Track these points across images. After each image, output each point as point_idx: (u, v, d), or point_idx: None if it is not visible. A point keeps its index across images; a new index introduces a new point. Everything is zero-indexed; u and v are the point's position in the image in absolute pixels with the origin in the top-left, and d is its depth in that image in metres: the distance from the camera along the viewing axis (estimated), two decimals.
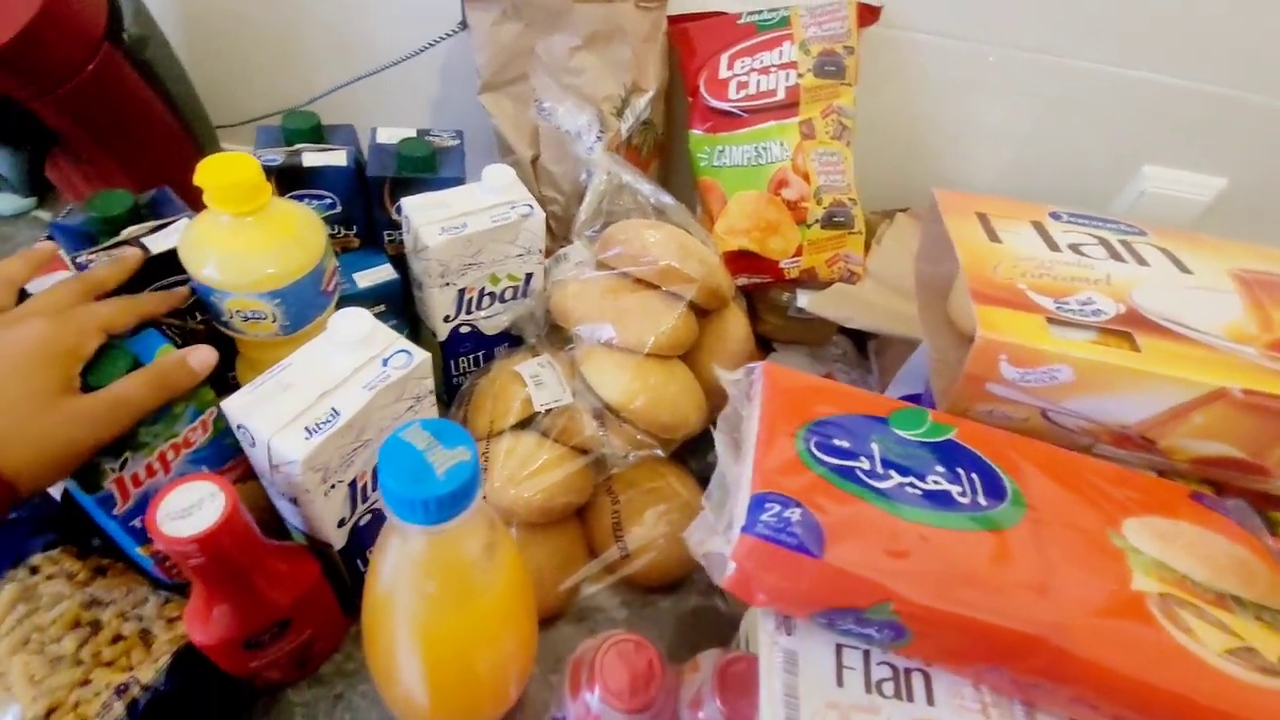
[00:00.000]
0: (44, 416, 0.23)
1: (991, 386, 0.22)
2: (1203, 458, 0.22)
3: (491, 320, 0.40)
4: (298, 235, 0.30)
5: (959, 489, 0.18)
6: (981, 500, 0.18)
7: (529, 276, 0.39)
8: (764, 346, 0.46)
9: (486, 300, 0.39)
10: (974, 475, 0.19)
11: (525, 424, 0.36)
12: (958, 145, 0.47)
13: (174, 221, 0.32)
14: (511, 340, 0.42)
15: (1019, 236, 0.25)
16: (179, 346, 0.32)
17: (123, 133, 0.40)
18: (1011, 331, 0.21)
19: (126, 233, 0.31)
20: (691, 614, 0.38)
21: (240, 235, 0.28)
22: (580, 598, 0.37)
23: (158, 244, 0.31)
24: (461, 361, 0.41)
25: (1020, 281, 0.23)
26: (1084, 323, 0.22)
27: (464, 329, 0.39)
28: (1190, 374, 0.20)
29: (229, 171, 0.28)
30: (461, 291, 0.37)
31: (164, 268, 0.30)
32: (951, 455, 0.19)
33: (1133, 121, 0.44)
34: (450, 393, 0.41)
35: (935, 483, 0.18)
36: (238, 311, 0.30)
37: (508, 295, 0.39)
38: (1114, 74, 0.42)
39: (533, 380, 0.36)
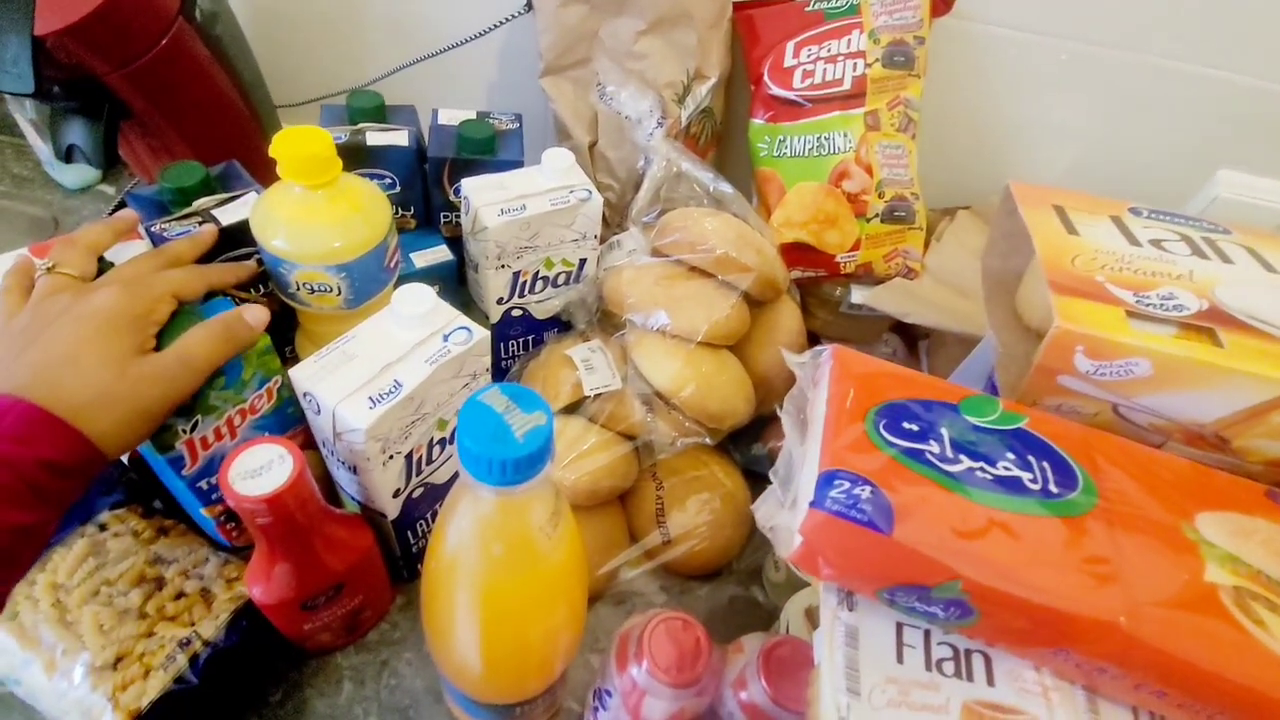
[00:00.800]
0: (123, 379, 0.23)
1: (1063, 379, 0.21)
2: (1278, 460, 0.21)
3: (543, 304, 0.39)
4: (365, 211, 0.30)
5: (1030, 475, 0.18)
6: (1053, 488, 0.18)
7: (582, 262, 0.39)
8: (812, 342, 0.45)
9: (540, 284, 0.38)
10: (1045, 463, 0.18)
11: (574, 408, 0.36)
12: (1024, 143, 0.45)
13: (243, 195, 0.32)
14: (560, 325, 0.41)
15: (1097, 230, 0.25)
16: None
17: (191, 108, 0.40)
18: (1090, 323, 0.21)
19: (198, 204, 0.31)
20: (729, 603, 0.38)
21: (310, 208, 0.28)
22: (619, 581, 0.37)
23: (227, 216, 0.31)
24: (511, 344, 0.41)
25: (1099, 274, 0.22)
26: (1165, 317, 0.21)
27: (516, 312, 0.39)
28: (1274, 371, 0.20)
29: (304, 144, 0.27)
30: (516, 274, 0.37)
31: (233, 240, 0.30)
32: (1022, 443, 0.19)
33: (1208, 123, 0.41)
34: (498, 376, 0.41)
35: (1006, 469, 0.18)
36: (305, 283, 0.30)
37: (560, 280, 0.39)
38: (1191, 72, 0.40)
39: (584, 365, 0.36)
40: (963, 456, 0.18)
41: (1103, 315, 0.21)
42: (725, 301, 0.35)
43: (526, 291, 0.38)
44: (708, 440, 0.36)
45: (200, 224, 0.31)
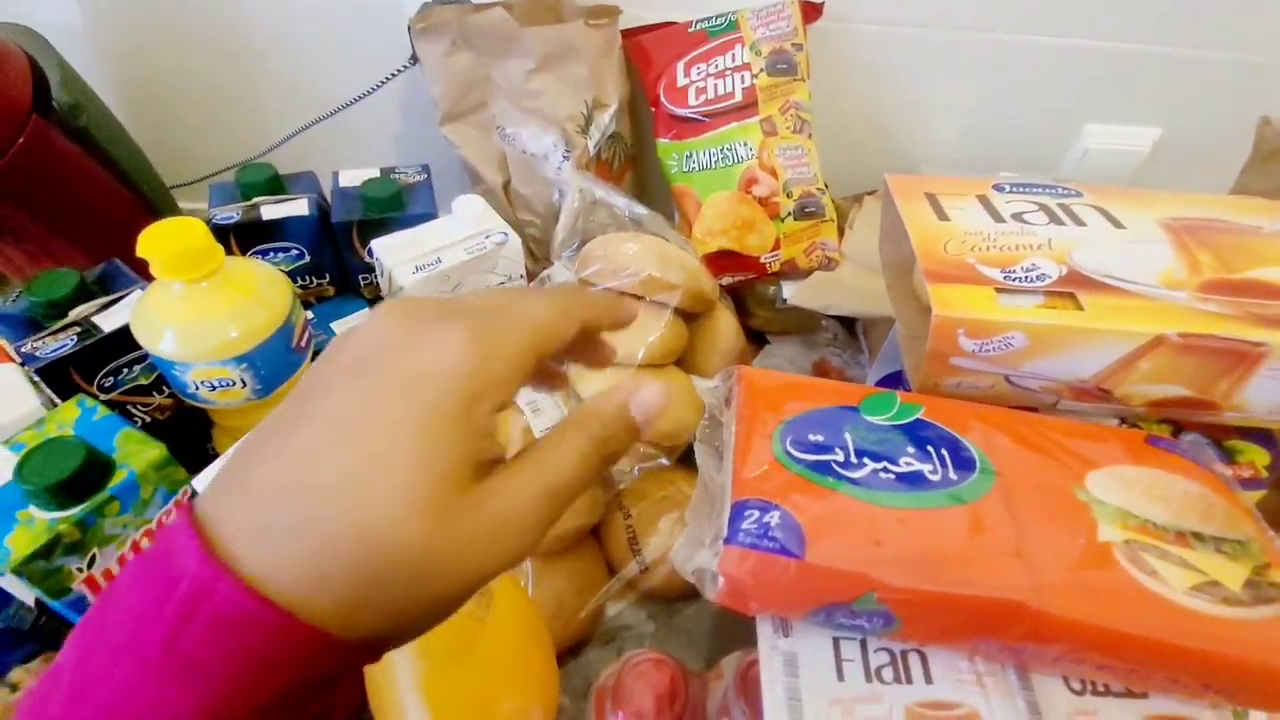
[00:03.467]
0: (445, 534, 0.11)
1: (955, 360, 0.22)
2: (1156, 400, 0.22)
3: None
4: (259, 294, 0.27)
5: (930, 467, 0.18)
6: (952, 475, 0.18)
7: None
8: (757, 340, 0.44)
9: None
10: (943, 451, 0.18)
11: None
12: (912, 124, 0.46)
13: (126, 295, 0.28)
14: None
15: (965, 212, 0.25)
16: (148, 427, 0.28)
17: (65, 207, 0.35)
18: (964, 306, 0.21)
19: (75, 313, 0.27)
20: (720, 616, 0.36)
21: (195, 303, 0.25)
22: (606, 618, 0.34)
23: (110, 321, 0.27)
24: None
25: (969, 256, 0.23)
26: (1030, 288, 0.22)
27: None
28: (1130, 325, 0.21)
29: (174, 238, 0.24)
30: None
31: (119, 346, 0.27)
32: (921, 434, 0.19)
33: (1070, 85, 0.44)
34: None
35: (908, 464, 0.18)
36: (203, 382, 0.26)
37: None
38: (1048, 43, 0.42)
39: (529, 407, 0.34)
40: (866, 460, 0.18)
41: (975, 296, 0.21)
42: (658, 321, 0.33)
43: None
44: (665, 462, 0.34)
45: (79, 334, 0.27)
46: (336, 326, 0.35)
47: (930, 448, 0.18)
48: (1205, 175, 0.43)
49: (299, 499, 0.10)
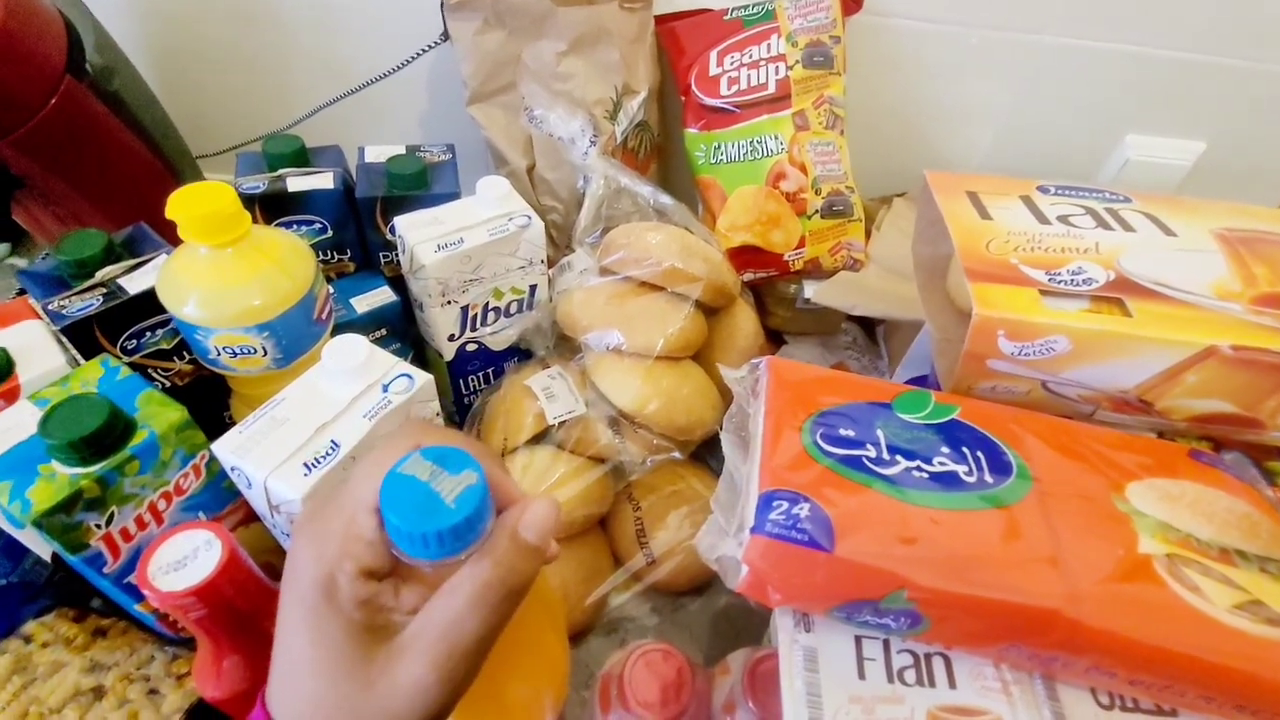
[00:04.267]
0: (362, 695, 0.12)
1: (992, 363, 0.21)
2: (1199, 415, 0.22)
3: (498, 335, 0.37)
4: (283, 264, 0.26)
5: (965, 468, 0.18)
6: (988, 478, 0.17)
7: (533, 288, 0.36)
8: (775, 339, 0.44)
9: (491, 315, 0.36)
10: (979, 453, 0.18)
11: (540, 438, 0.33)
12: (948, 127, 0.45)
13: (152, 259, 0.28)
14: (520, 354, 0.38)
15: (1009, 212, 0.25)
16: (167, 391, 0.29)
17: (94, 170, 0.36)
18: (1007, 306, 0.21)
19: (101, 274, 0.28)
20: (723, 613, 0.36)
21: (221, 268, 0.25)
22: (609, 609, 0.34)
23: (135, 284, 0.27)
24: (471, 380, 0.38)
25: (1013, 256, 0.22)
26: (1076, 292, 0.21)
27: (470, 347, 0.36)
28: (1180, 335, 0.20)
29: (203, 201, 0.24)
30: (465, 309, 0.34)
31: (143, 308, 0.27)
32: (956, 435, 0.19)
33: (1113, 92, 0.42)
34: (462, 412, 0.38)
35: (941, 464, 0.18)
36: (225, 348, 0.26)
37: (513, 309, 0.36)
38: (1092, 48, 0.40)
39: (544, 393, 0.33)
40: (899, 457, 0.18)
41: (1018, 298, 0.21)
42: (678, 313, 0.33)
43: (479, 325, 0.35)
44: (678, 455, 0.34)
45: (104, 295, 0.27)
46: (356, 303, 0.35)
47: (965, 449, 0.18)
48: (1249, 192, 0.41)
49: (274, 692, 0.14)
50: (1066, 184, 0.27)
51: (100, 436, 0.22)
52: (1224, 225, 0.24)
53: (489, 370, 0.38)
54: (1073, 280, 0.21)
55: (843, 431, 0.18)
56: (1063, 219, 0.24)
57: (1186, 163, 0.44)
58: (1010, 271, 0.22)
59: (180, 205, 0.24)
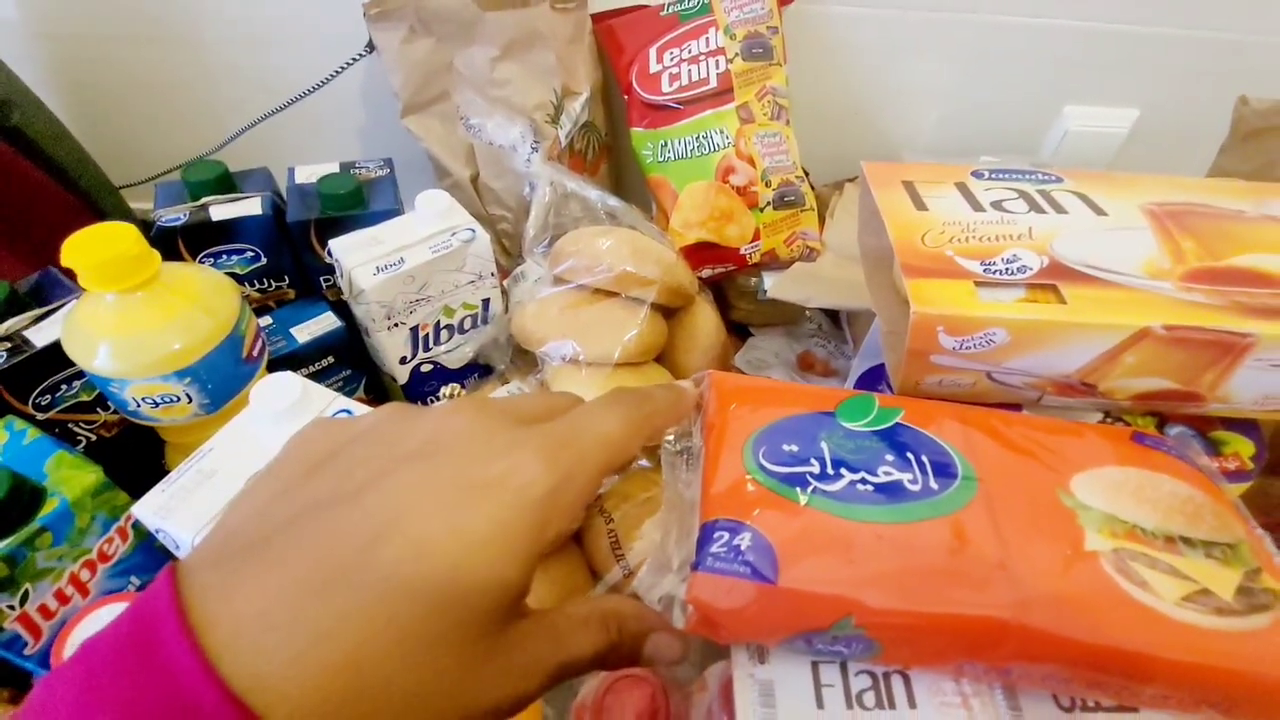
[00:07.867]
0: (470, 678, 0.10)
1: (935, 358, 0.21)
2: (1141, 393, 0.21)
3: (454, 354, 0.35)
4: (202, 302, 0.24)
5: (910, 476, 0.17)
6: (933, 484, 0.17)
7: (486, 302, 0.34)
8: (741, 333, 0.43)
9: (444, 334, 0.34)
10: (924, 457, 0.17)
11: None
12: (892, 109, 0.44)
13: (61, 306, 0.26)
14: (480, 369, 0.37)
15: (944, 201, 0.24)
16: (94, 446, 0.26)
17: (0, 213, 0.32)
18: (943, 302, 0.20)
19: (5, 326, 0.25)
20: None
21: (131, 314, 0.23)
22: None
23: (43, 335, 0.25)
24: (429, 400, 0.36)
25: (948, 248, 0.22)
26: (1011, 281, 0.21)
27: (425, 368, 0.34)
28: (1114, 318, 0.20)
29: (102, 245, 0.22)
30: (414, 329, 0.32)
31: (53, 362, 0.24)
32: (900, 440, 0.18)
33: (1049, 65, 0.42)
34: None
35: (886, 474, 0.17)
36: (144, 399, 0.24)
37: (467, 325, 0.34)
38: (1026, 23, 0.40)
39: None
40: (843, 471, 0.17)
41: (954, 291, 0.20)
42: (634, 318, 0.32)
43: (431, 344, 0.34)
44: (646, 464, 0.33)
45: (9, 350, 0.24)
46: (296, 332, 0.33)
47: (910, 454, 0.17)
48: (1183, 156, 0.42)
49: (340, 591, 0.09)
50: (1000, 167, 0.27)
51: (3, 511, 0.20)
52: (1153, 200, 0.24)
53: (449, 387, 0.36)
54: (1007, 269, 0.21)
55: (785, 448, 0.17)
56: (996, 205, 0.24)
57: (1123, 130, 0.44)
58: (946, 264, 0.21)
59: (76, 252, 0.21)
